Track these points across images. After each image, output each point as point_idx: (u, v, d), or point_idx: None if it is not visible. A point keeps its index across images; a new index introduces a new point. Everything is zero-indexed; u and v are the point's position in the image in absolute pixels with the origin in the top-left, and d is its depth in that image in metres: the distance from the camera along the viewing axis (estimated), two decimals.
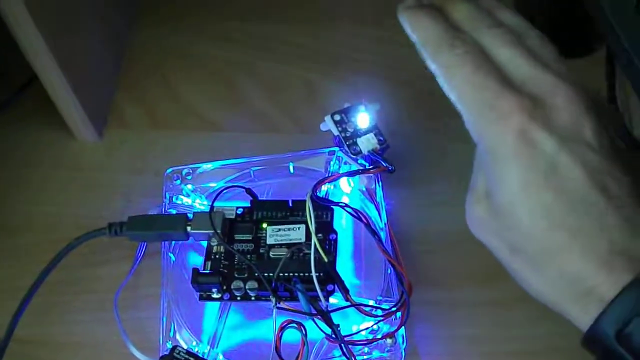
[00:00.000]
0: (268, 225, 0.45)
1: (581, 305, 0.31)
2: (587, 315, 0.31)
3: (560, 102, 0.32)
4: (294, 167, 0.50)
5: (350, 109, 0.47)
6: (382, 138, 0.46)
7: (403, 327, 0.43)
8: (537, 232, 0.32)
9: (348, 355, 0.40)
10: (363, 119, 0.47)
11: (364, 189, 0.49)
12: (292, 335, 0.41)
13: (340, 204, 0.45)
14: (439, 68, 0.35)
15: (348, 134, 0.46)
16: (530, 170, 0.32)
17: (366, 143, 0.46)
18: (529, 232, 0.32)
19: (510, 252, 0.34)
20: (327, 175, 0.48)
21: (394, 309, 0.43)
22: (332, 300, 0.43)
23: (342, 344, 0.40)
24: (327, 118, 0.46)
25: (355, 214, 0.44)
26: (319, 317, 0.40)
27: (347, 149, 0.46)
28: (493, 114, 0.33)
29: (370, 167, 0.47)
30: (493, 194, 0.33)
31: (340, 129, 0.46)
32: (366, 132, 0.47)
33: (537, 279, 0.33)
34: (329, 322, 0.40)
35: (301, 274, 0.42)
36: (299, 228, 0.45)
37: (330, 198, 0.47)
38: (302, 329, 0.40)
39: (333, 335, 0.40)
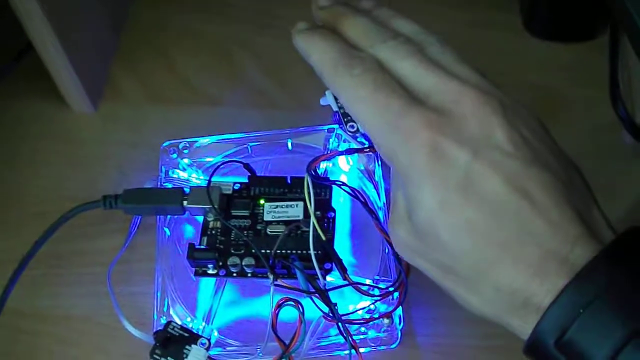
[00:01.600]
0: (266, 201, 0.45)
1: (520, 317, 0.30)
2: (527, 325, 0.30)
3: (467, 110, 0.31)
4: (292, 143, 0.49)
5: None
6: None
7: (400, 307, 0.42)
8: (463, 251, 0.30)
9: (345, 335, 0.40)
10: None
11: (362, 167, 0.48)
12: (288, 313, 0.40)
13: (337, 182, 0.44)
14: (338, 91, 0.34)
15: (346, 111, 0.45)
16: (446, 187, 0.30)
17: None
18: (455, 251, 0.31)
19: (442, 273, 0.33)
20: (324, 152, 0.47)
21: (391, 288, 0.42)
22: (328, 278, 0.42)
23: (340, 323, 0.40)
24: (328, 93, 0.45)
25: (352, 193, 0.44)
26: (316, 295, 0.40)
27: (345, 125, 0.45)
28: (399, 135, 0.31)
29: (369, 145, 0.46)
30: (412, 214, 0.32)
31: (339, 104, 0.45)
32: None
33: (473, 297, 0.32)
34: (327, 300, 0.40)
35: (299, 252, 0.42)
36: (297, 205, 0.44)
37: (328, 176, 0.47)
38: (300, 306, 0.40)
39: (330, 314, 0.40)
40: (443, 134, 0.31)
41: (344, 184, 0.44)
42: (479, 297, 0.31)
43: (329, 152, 0.47)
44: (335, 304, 0.40)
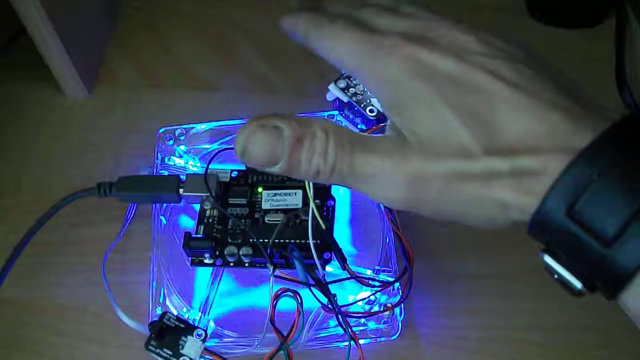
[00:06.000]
0: (264, 189, 0.44)
1: (527, 193, 0.29)
2: (534, 199, 0.29)
3: (442, 32, 0.33)
4: None
5: None
6: None
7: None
8: (471, 136, 0.30)
9: (344, 326, 0.39)
10: None
11: None
12: (286, 304, 0.39)
13: None
14: (322, 41, 0.35)
15: (359, 98, 0.44)
16: (437, 83, 0.31)
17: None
18: (463, 140, 0.30)
19: (451, 184, 0.31)
20: None
21: (392, 278, 0.41)
22: (327, 268, 0.41)
23: (339, 315, 0.39)
24: (331, 87, 0.44)
25: None
26: (316, 286, 0.39)
27: (364, 111, 0.44)
28: (382, 51, 0.33)
29: (369, 128, 0.45)
30: (413, 131, 0.32)
31: (349, 94, 0.44)
32: None
33: (484, 189, 0.31)
34: (326, 292, 0.39)
35: (298, 241, 0.41)
36: (295, 193, 0.43)
37: None
38: (298, 297, 0.39)
39: (329, 306, 0.39)
40: (423, 45, 0.32)
41: None
42: (488, 188, 0.30)
43: None
44: (335, 295, 0.39)
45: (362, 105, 0.44)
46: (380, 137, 0.34)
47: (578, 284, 0.29)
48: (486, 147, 0.30)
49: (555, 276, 0.30)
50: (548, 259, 0.30)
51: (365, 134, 0.34)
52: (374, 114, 0.43)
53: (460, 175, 0.31)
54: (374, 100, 0.43)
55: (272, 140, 0.32)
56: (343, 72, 0.45)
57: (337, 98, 0.44)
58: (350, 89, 0.44)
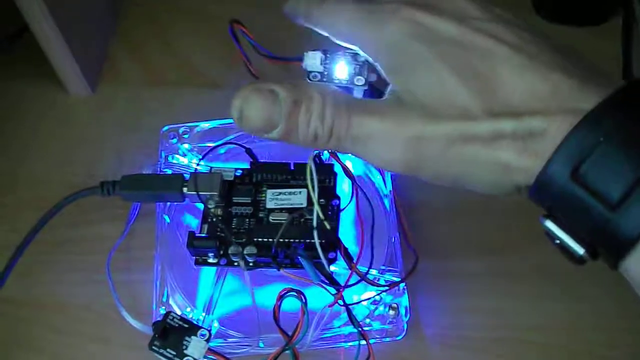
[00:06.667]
0: (268, 188, 0.43)
1: (530, 155, 0.29)
2: (535, 158, 0.29)
3: None
4: None
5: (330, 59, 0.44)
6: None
7: (406, 297, 0.41)
8: (475, 95, 0.30)
9: (355, 324, 0.39)
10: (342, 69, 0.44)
11: None
12: (290, 304, 0.39)
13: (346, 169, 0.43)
14: (323, 18, 0.36)
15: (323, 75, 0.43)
16: (440, 44, 0.31)
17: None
18: (466, 102, 0.30)
19: (453, 146, 0.31)
20: None
21: (398, 279, 0.41)
22: (332, 268, 0.41)
23: (350, 313, 0.39)
24: (306, 55, 0.43)
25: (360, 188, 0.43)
26: (327, 283, 0.39)
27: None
28: (382, 16, 0.33)
29: None
30: (418, 97, 0.31)
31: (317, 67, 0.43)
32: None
33: (486, 151, 0.30)
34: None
35: (302, 241, 0.40)
36: (300, 192, 0.43)
37: (331, 162, 0.45)
38: (302, 297, 0.38)
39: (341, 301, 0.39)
40: (422, 10, 0.32)
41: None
42: (491, 149, 0.30)
43: None
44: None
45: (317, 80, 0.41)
46: (379, 100, 0.33)
47: (580, 250, 0.29)
48: (489, 107, 0.30)
49: (557, 242, 0.30)
50: (550, 224, 0.30)
51: (364, 98, 0.34)
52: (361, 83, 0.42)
53: (462, 136, 0.30)
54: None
55: (269, 104, 0.32)
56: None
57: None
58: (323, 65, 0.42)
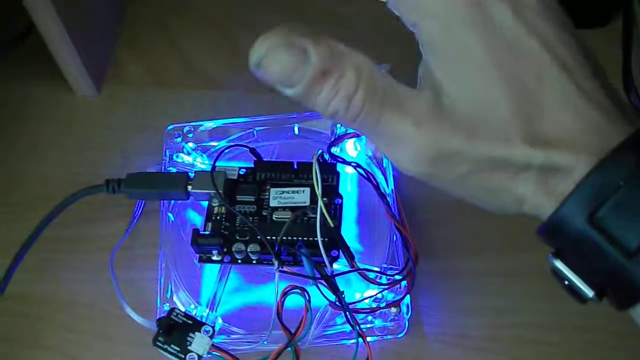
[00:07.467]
0: (271, 187, 0.44)
1: (548, 188, 0.28)
2: (550, 197, 0.27)
3: None
4: (299, 128, 0.48)
5: None
6: None
7: (408, 295, 0.42)
8: (507, 102, 0.28)
9: (352, 323, 0.39)
10: None
11: (370, 153, 0.47)
12: (294, 301, 0.39)
13: (352, 164, 0.44)
14: None
15: None
16: (495, 38, 0.28)
17: None
18: (502, 110, 0.27)
19: (489, 169, 0.28)
20: (334, 138, 0.46)
21: (399, 277, 0.41)
22: (335, 266, 0.42)
23: (347, 312, 0.39)
24: None
25: (365, 175, 0.43)
26: (322, 282, 0.39)
27: None
28: None
29: None
30: (456, 99, 0.28)
31: None
32: None
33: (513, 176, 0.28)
34: (334, 287, 0.39)
35: (305, 239, 0.41)
36: (303, 191, 0.43)
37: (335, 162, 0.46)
38: (306, 294, 0.39)
39: (337, 302, 0.39)
40: None
41: (358, 165, 0.44)
42: (514, 180, 0.28)
43: (338, 136, 0.46)
44: (343, 292, 0.39)
45: None
46: (416, 94, 0.29)
47: (590, 293, 0.28)
48: (526, 134, 0.27)
49: (566, 282, 0.29)
50: (559, 264, 0.29)
51: (402, 85, 0.30)
52: None
53: (492, 161, 0.28)
54: None
55: (294, 64, 0.27)
56: None
57: None
58: None
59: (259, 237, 0.41)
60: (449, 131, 0.28)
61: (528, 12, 0.28)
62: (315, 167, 0.41)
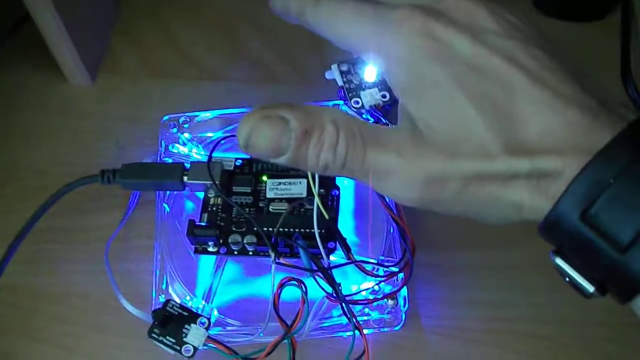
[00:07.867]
0: (268, 178, 0.44)
1: (541, 193, 0.29)
2: (547, 198, 0.28)
3: (451, 4, 0.31)
4: None
5: (359, 60, 0.45)
6: (386, 94, 0.44)
7: (405, 287, 0.41)
8: (488, 126, 0.29)
9: (349, 315, 0.39)
10: (370, 72, 0.44)
11: None
12: (291, 293, 0.39)
13: None
14: (319, 17, 0.34)
15: (352, 86, 0.44)
16: (454, 66, 0.30)
17: (369, 97, 0.44)
18: (479, 131, 0.29)
19: (478, 183, 0.30)
20: None
21: (396, 269, 0.41)
22: (332, 258, 0.41)
23: (343, 303, 0.39)
24: (334, 67, 0.44)
25: None
26: (319, 274, 0.39)
27: (349, 101, 0.44)
28: (390, 25, 0.31)
29: (375, 122, 0.45)
30: (433, 127, 0.30)
31: (345, 79, 0.44)
32: (372, 87, 0.44)
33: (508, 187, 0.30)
34: (331, 280, 0.39)
35: (302, 230, 0.41)
36: (300, 182, 0.43)
37: None
38: (303, 286, 0.39)
39: (334, 294, 0.39)
40: (434, 18, 0.30)
41: None
42: (505, 189, 0.29)
43: None
44: (339, 284, 0.39)
45: (350, 95, 0.43)
46: (394, 129, 0.32)
47: (590, 288, 0.29)
48: (506, 145, 0.29)
49: (567, 279, 0.30)
50: (560, 261, 0.30)
51: (378, 125, 0.32)
52: (358, 105, 0.43)
53: (479, 176, 0.29)
54: (364, 94, 0.43)
55: (278, 133, 0.30)
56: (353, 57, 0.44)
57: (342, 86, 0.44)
58: (349, 76, 0.44)
59: (255, 228, 0.41)
60: (431, 155, 0.30)
61: (489, 36, 0.30)
62: None
